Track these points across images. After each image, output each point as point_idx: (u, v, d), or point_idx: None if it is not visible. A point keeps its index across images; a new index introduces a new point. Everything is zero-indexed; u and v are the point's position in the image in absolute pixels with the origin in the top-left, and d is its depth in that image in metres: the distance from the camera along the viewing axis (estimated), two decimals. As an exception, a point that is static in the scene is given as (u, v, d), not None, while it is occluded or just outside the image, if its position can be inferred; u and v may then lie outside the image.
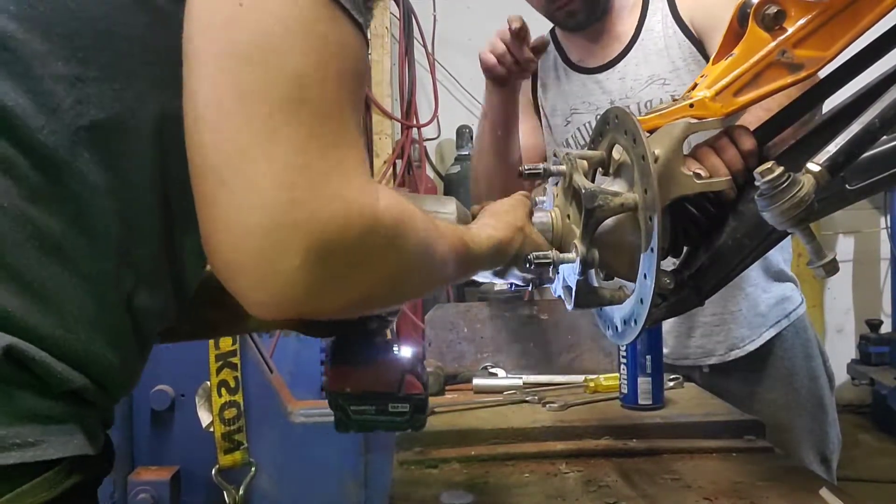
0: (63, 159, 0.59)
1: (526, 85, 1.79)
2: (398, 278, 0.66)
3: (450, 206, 0.93)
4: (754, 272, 1.61)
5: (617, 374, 1.42)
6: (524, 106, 1.82)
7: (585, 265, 0.87)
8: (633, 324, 0.88)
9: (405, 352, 0.89)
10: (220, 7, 0.56)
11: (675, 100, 0.91)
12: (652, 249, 0.82)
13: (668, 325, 1.60)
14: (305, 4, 0.57)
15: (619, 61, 1.66)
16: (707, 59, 1.50)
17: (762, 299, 1.66)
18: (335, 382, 0.85)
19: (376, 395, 0.85)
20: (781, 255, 1.74)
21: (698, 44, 1.58)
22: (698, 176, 0.88)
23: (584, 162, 0.93)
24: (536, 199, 0.99)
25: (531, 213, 0.94)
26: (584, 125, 1.68)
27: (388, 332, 0.91)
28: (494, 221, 0.90)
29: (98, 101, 0.61)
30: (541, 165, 0.94)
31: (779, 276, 1.70)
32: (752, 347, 1.65)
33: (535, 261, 0.90)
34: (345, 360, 0.87)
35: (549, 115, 1.77)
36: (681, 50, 1.60)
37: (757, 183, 0.74)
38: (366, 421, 0.87)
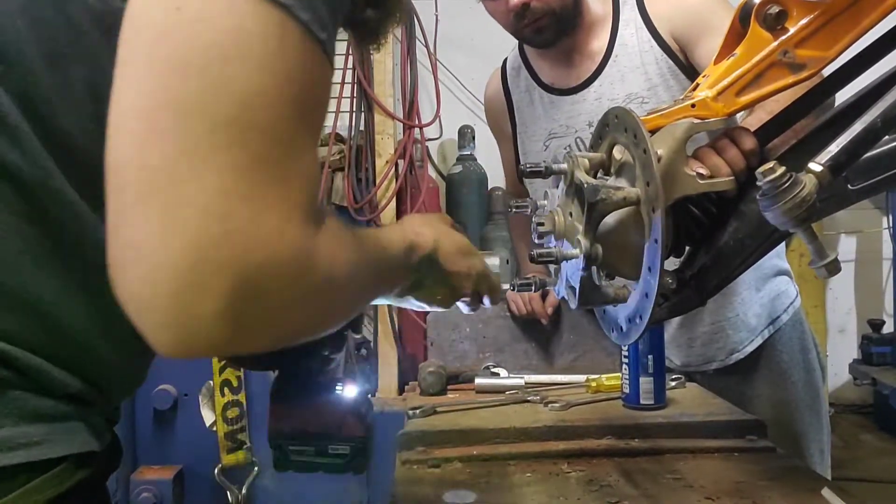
0: (36, 178, 0.58)
1: (501, 109, 1.77)
2: (327, 314, 0.61)
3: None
4: (747, 274, 1.62)
5: (619, 374, 1.42)
6: (501, 133, 1.81)
7: (589, 260, 0.87)
8: (637, 320, 0.88)
9: (349, 391, 0.86)
10: (155, 10, 0.49)
11: (676, 100, 0.91)
12: (656, 241, 0.82)
13: (668, 335, 1.61)
14: (255, 16, 0.49)
15: (593, 80, 1.60)
16: (686, 70, 1.51)
17: (756, 299, 1.66)
18: (275, 421, 0.83)
19: (316, 435, 0.83)
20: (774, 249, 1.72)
21: (676, 57, 1.53)
22: (701, 176, 0.88)
23: (586, 160, 0.93)
24: (538, 202, 1.00)
25: (452, 225, 0.97)
26: (564, 149, 1.63)
27: (340, 366, 0.88)
28: (407, 223, 0.91)
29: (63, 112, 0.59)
30: (542, 164, 0.95)
31: (772, 272, 1.69)
32: (751, 348, 1.66)
33: (539, 258, 0.90)
34: (285, 399, 0.85)
35: (523, 140, 1.73)
36: (658, 66, 1.54)
37: (759, 183, 0.74)
38: (305, 462, 0.84)
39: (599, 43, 1.59)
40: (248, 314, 0.49)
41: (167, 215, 0.46)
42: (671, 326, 1.63)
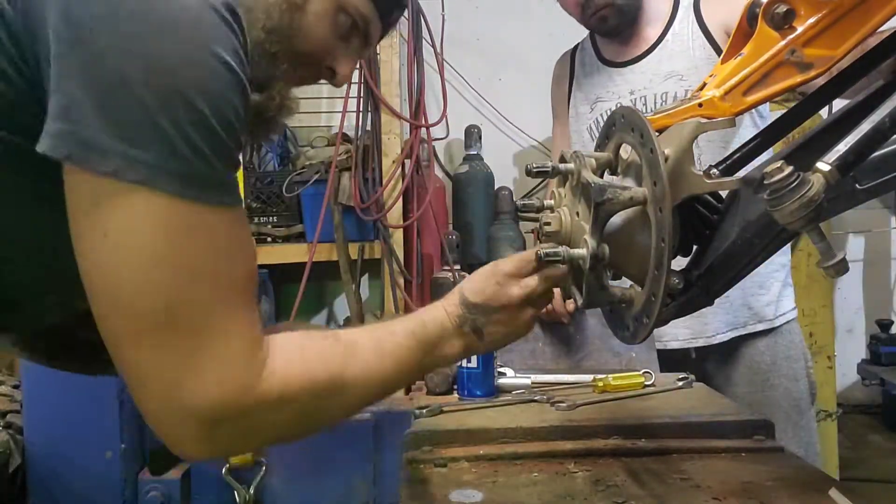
0: None
1: (563, 76, 2.06)
2: (305, 424, 0.79)
3: None
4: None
5: (626, 374, 1.43)
6: (559, 109, 2.09)
7: (596, 259, 0.87)
8: (644, 320, 0.88)
9: None
10: (88, 235, 0.65)
11: (683, 100, 0.91)
12: (663, 241, 0.82)
13: None
14: (162, 221, 0.64)
15: (643, 58, 1.87)
16: None
17: (757, 293, 1.82)
18: None
19: None
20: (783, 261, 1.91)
21: (719, 48, 1.73)
22: (708, 175, 0.87)
23: (593, 160, 0.93)
24: (545, 202, 1.00)
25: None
26: (606, 111, 1.89)
27: None
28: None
29: None
30: (549, 163, 0.95)
31: (777, 281, 1.86)
32: (733, 335, 1.82)
33: (546, 258, 0.90)
34: None
35: (577, 104, 2.00)
36: (702, 51, 1.78)
37: (766, 182, 0.74)
38: None
39: (655, 30, 1.87)
40: (218, 436, 0.70)
41: (141, 391, 0.70)
42: None
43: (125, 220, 0.64)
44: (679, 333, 1.84)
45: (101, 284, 0.66)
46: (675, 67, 1.81)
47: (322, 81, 1.03)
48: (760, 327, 1.83)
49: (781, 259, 1.89)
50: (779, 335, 1.84)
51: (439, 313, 0.93)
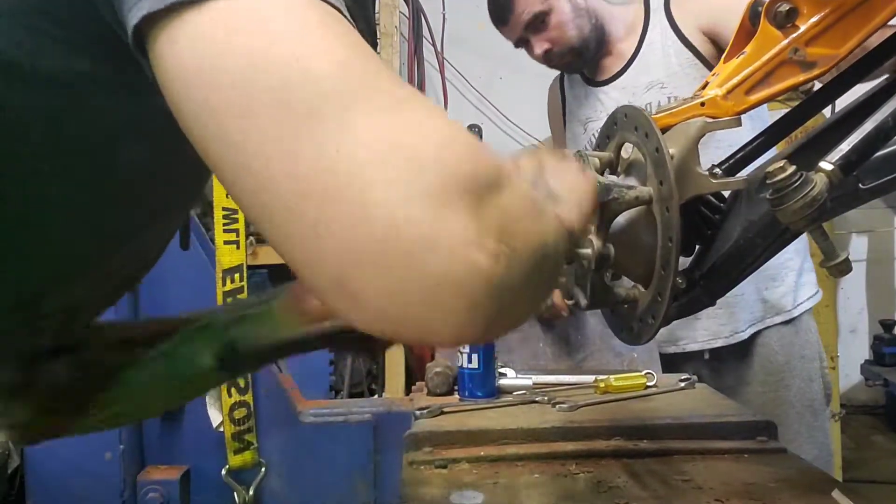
0: None
1: (557, 103, 2.09)
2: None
3: None
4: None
5: (628, 374, 1.42)
6: (557, 135, 2.11)
7: (601, 260, 0.87)
8: (650, 321, 0.87)
9: None
10: (241, 50, 0.49)
11: (685, 99, 0.90)
12: (669, 241, 0.81)
13: None
14: (321, 10, 0.51)
15: (622, 74, 1.89)
16: (705, 61, 1.75)
17: (771, 286, 1.80)
18: None
19: None
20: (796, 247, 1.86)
21: (696, 50, 1.77)
22: (714, 175, 0.87)
23: (596, 160, 0.92)
24: None
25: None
26: (597, 131, 1.79)
27: None
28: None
29: None
30: (550, 165, 0.94)
31: (792, 270, 1.82)
32: (752, 331, 1.79)
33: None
34: None
35: (571, 126, 2.02)
36: (678, 57, 1.78)
37: (769, 181, 0.74)
38: None
39: (629, 44, 1.88)
40: (489, 220, 0.48)
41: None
42: None
43: (285, 17, 0.49)
44: (697, 336, 1.82)
45: (273, 68, 0.48)
46: (655, 77, 1.82)
47: None
48: (778, 319, 1.79)
49: (795, 245, 1.79)
50: (796, 331, 1.79)
51: None
